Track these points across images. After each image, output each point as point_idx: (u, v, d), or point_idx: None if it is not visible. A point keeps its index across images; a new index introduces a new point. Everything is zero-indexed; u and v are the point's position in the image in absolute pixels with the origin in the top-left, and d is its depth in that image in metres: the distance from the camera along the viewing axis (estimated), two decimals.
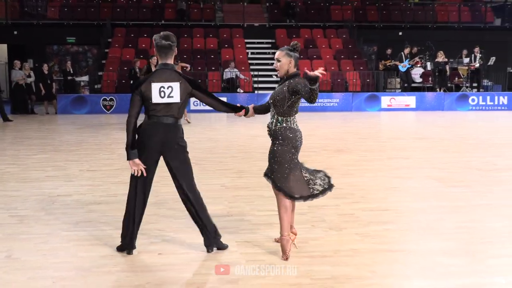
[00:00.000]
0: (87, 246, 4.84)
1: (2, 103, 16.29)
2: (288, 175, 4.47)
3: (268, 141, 4.62)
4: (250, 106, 4.86)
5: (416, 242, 4.95)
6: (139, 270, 4.28)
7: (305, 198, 4.54)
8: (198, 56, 21.80)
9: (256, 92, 20.14)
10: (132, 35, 22.76)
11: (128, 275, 4.16)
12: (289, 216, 4.54)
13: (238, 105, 4.86)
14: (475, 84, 21.53)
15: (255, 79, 20.63)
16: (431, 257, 4.56)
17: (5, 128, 14.50)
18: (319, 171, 4.72)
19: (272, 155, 4.52)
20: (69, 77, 20.09)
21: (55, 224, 5.51)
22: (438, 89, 20.87)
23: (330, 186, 4.65)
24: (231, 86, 19.84)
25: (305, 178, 4.56)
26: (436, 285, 3.99)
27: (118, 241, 4.75)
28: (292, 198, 4.50)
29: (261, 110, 4.89)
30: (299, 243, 4.83)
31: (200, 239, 5.00)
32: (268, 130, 4.60)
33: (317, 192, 4.58)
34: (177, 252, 4.67)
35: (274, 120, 4.54)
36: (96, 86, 20.43)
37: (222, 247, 4.73)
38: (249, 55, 22.24)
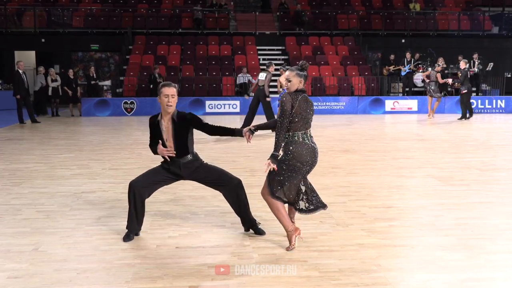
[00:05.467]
0: (109, 240, 4.84)
1: (31, 106, 16.38)
2: (281, 182, 4.48)
3: None
4: (245, 129, 4.82)
5: (418, 238, 4.91)
6: (158, 262, 4.27)
7: (284, 201, 4.57)
8: (213, 62, 21.81)
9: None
10: (152, 42, 22.81)
11: (147, 267, 4.16)
12: (284, 214, 4.55)
13: (233, 128, 4.95)
14: (474, 89, 21.37)
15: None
16: (432, 252, 4.52)
17: (33, 129, 14.58)
18: (314, 199, 4.65)
19: (277, 163, 4.49)
20: (93, 82, 20.18)
21: (79, 219, 5.53)
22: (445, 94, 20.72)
23: (316, 208, 4.61)
24: (243, 90, 19.82)
25: (298, 188, 4.58)
26: (438, 278, 3.96)
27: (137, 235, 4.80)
28: (273, 195, 4.50)
29: (264, 126, 4.91)
30: (308, 238, 4.81)
31: (214, 234, 5.00)
32: None
33: (297, 207, 4.61)
34: (194, 246, 4.66)
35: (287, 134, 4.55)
36: (118, 90, 20.50)
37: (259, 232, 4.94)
38: (261, 61, 22.20)
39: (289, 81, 4.55)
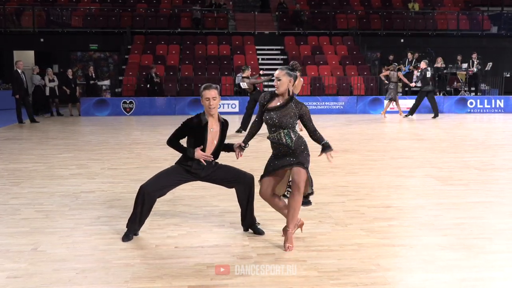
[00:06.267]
0: (108, 239, 4.84)
1: (30, 106, 16.37)
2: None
3: None
4: (236, 144, 4.90)
5: (417, 237, 4.91)
6: (157, 262, 4.27)
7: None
8: (212, 62, 21.81)
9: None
10: (151, 42, 22.80)
11: (146, 267, 4.16)
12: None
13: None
14: (473, 88, 21.40)
15: (265, 83, 20.55)
16: (431, 251, 4.52)
17: (32, 129, 14.57)
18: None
19: (302, 158, 4.56)
20: (92, 82, 20.17)
21: (78, 219, 5.52)
22: (437, 93, 20.73)
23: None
24: (242, 90, 19.80)
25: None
26: (437, 278, 3.96)
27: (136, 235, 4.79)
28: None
29: (251, 136, 4.95)
30: (307, 237, 4.82)
31: (213, 233, 5.01)
32: (280, 147, 4.64)
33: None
34: (193, 246, 4.66)
35: (293, 135, 4.59)
36: (116, 90, 20.49)
37: (258, 232, 4.96)
38: (260, 61, 22.21)
39: (279, 80, 4.55)
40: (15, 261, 4.28)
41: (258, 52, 22.84)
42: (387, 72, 17.62)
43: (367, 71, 21.69)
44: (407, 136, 12.94)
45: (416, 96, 19.81)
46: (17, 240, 4.83)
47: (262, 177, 4.73)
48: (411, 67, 21.02)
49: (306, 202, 4.76)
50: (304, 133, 4.81)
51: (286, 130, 4.55)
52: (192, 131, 4.78)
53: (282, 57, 22.78)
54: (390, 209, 5.94)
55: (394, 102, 17.67)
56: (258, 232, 4.94)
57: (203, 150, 4.75)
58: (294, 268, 4.09)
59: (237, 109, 18.87)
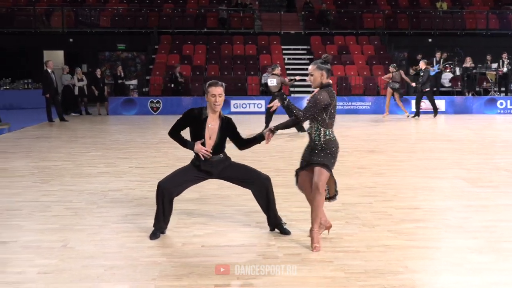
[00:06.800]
0: (135, 237, 4.89)
1: (59, 104, 16.62)
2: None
3: (304, 142, 4.60)
4: (266, 130, 4.82)
5: (446, 240, 4.85)
6: (183, 261, 4.29)
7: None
8: (238, 62, 21.85)
9: (292, 95, 20.07)
10: (177, 42, 22.96)
11: (173, 265, 4.19)
12: (323, 210, 4.66)
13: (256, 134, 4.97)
14: (503, 89, 21.03)
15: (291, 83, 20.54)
16: (459, 254, 4.46)
17: (61, 128, 14.80)
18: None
19: (327, 159, 4.54)
20: (120, 81, 20.40)
21: (106, 216, 5.59)
22: (466, 93, 20.43)
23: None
24: (268, 90, 19.80)
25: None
26: (465, 281, 3.91)
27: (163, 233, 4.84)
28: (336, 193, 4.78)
29: (284, 126, 4.89)
30: (334, 238, 4.80)
31: (240, 233, 5.02)
32: (310, 139, 4.64)
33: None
34: (219, 245, 4.68)
35: (322, 133, 4.55)
36: (144, 89, 20.69)
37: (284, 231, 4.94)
38: (286, 61, 22.17)
39: (311, 75, 4.55)
40: (46, 257, 4.36)
41: (284, 52, 22.81)
42: (390, 75, 17.45)
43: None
44: (434, 137, 12.78)
45: (442, 97, 19.64)
46: (48, 236, 4.91)
47: (297, 170, 4.76)
48: (440, 67, 20.74)
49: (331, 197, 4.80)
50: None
51: (317, 125, 4.54)
52: (192, 123, 4.83)
53: (308, 57, 22.70)
54: (417, 210, 5.87)
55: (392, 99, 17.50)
56: (284, 232, 4.93)
57: (203, 144, 4.78)
58: (320, 269, 4.08)
59: (262, 109, 18.84)
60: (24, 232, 5.05)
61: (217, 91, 4.70)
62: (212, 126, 4.79)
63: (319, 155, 4.54)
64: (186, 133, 4.94)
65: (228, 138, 4.91)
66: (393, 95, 17.20)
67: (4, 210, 5.85)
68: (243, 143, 4.97)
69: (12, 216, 5.60)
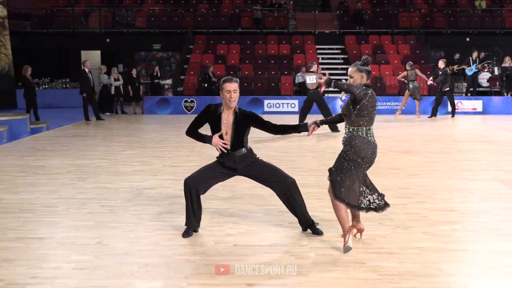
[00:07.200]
0: (169, 235, 4.94)
1: (96, 103, 16.91)
2: (342, 181, 4.45)
3: (336, 142, 4.57)
4: (311, 121, 4.81)
5: (481, 243, 4.75)
6: (216, 259, 4.32)
7: (349, 205, 4.51)
8: (272, 62, 21.85)
9: (326, 95, 19.95)
10: (212, 42, 23.09)
11: (205, 264, 4.22)
12: (343, 214, 4.51)
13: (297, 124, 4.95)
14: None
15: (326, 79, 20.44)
16: (496, 257, 4.37)
17: (97, 127, 15.05)
18: (377, 191, 4.68)
19: (337, 159, 4.52)
20: (156, 81, 20.64)
21: (140, 214, 5.67)
22: (505, 94, 19.97)
23: (378, 208, 4.62)
24: (302, 89, 19.76)
25: (360, 189, 4.55)
26: (501, 285, 3.82)
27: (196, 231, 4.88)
28: (339, 199, 4.47)
29: (329, 121, 4.98)
30: (367, 239, 4.75)
31: (272, 232, 5.02)
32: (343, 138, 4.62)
33: (363, 206, 4.60)
34: (251, 244, 4.69)
35: (347, 129, 4.55)
36: (178, 89, 20.88)
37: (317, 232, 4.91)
38: (320, 61, 22.06)
39: (351, 77, 4.52)
40: (81, 254, 4.44)
41: (318, 51, 22.70)
42: (404, 73, 17.19)
43: (430, 70, 21.11)
44: (471, 138, 12.53)
45: (480, 97, 19.23)
46: (83, 233, 5.01)
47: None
48: (478, 66, 20.31)
49: (382, 206, 4.64)
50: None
51: (348, 124, 4.53)
52: (209, 119, 4.84)
53: (342, 56, 22.55)
54: (453, 212, 5.77)
55: (400, 100, 17.24)
56: (317, 232, 4.91)
57: (220, 137, 4.78)
58: (352, 270, 4.05)
59: (296, 109, 18.80)
60: (60, 229, 5.16)
61: (232, 87, 4.71)
62: (227, 121, 4.80)
63: (338, 157, 4.52)
64: (206, 130, 4.93)
65: (260, 129, 4.91)
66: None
67: (41, 206, 5.99)
68: (277, 129, 4.95)
69: (49, 213, 5.73)
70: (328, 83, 4.54)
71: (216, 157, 4.97)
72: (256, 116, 4.89)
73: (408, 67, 17.09)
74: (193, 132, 4.96)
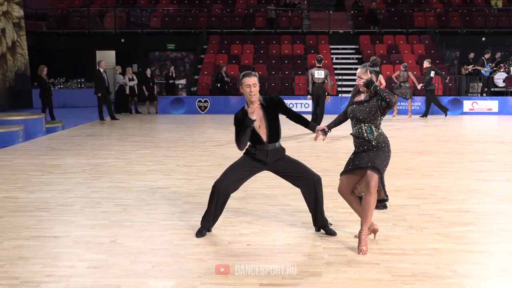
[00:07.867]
0: (182, 234, 4.95)
1: (110, 103, 17.00)
2: (383, 178, 4.54)
3: (350, 142, 4.56)
4: (320, 127, 4.92)
5: (497, 244, 4.71)
6: (229, 259, 4.32)
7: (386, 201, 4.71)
8: (286, 61, 21.83)
9: (340, 95, 19.90)
10: (226, 42, 23.13)
11: (219, 263, 4.22)
12: (372, 212, 4.56)
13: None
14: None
15: (339, 83, 20.41)
16: (511, 259, 4.33)
17: (112, 126, 15.14)
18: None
19: (376, 158, 4.48)
20: (171, 81, 20.72)
21: (154, 213, 5.69)
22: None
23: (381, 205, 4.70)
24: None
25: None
26: None
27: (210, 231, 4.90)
28: (387, 197, 4.64)
29: (336, 123, 4.95)
30: (381, 240, 4.73)
31: (285, 232, 5.01)
32: (361, 141, 4.55)
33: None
34: (264, 244, 4.69)
35: (369, 129, 4.50)
36: (192, 89, 20.94)
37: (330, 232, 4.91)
38: (334, 60, 22.01)
39: (361, 79, 4.51)
40: (95, 252, 4.47)
41: (333, 51, 22.64)
42: (397, 73, 17.22)
43: (445, 70, 20.97)
44: (486, 138, 12.42)
45: (495, 98, 19.05)
46: (97, 232, 5.04)
47: (341, 174, 4.71)
48: (492, 65, 20.11)
49: (381, 206, 4.67)
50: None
51: (367, 124, 4.49)
52: (240, 123, 4.80)
53: (356, 56, 22.47)
54: (468, 213, 5.72)
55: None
56: (330, 233, 4.90)
57: (257, 134, 4.75)
58: (366, 271, 4.03)
59: (310, 109, 18.74)
60: (75, 227, 5.20)
61: (251, 81, 4.69)
62: (257, 115, 4.75)
63: (373, 153, 4.48)
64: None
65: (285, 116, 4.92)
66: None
67: (56, 205, 6.04)
68: (294, 116, 4.99)
69: (64, 212, 5.78)
70: (366, 85, 4.46)
71: (246, 149, 4.91)
72: (281, 100, 4.91)
73: (402, 68, 17.13)
74: (237, 140, 4.84)
